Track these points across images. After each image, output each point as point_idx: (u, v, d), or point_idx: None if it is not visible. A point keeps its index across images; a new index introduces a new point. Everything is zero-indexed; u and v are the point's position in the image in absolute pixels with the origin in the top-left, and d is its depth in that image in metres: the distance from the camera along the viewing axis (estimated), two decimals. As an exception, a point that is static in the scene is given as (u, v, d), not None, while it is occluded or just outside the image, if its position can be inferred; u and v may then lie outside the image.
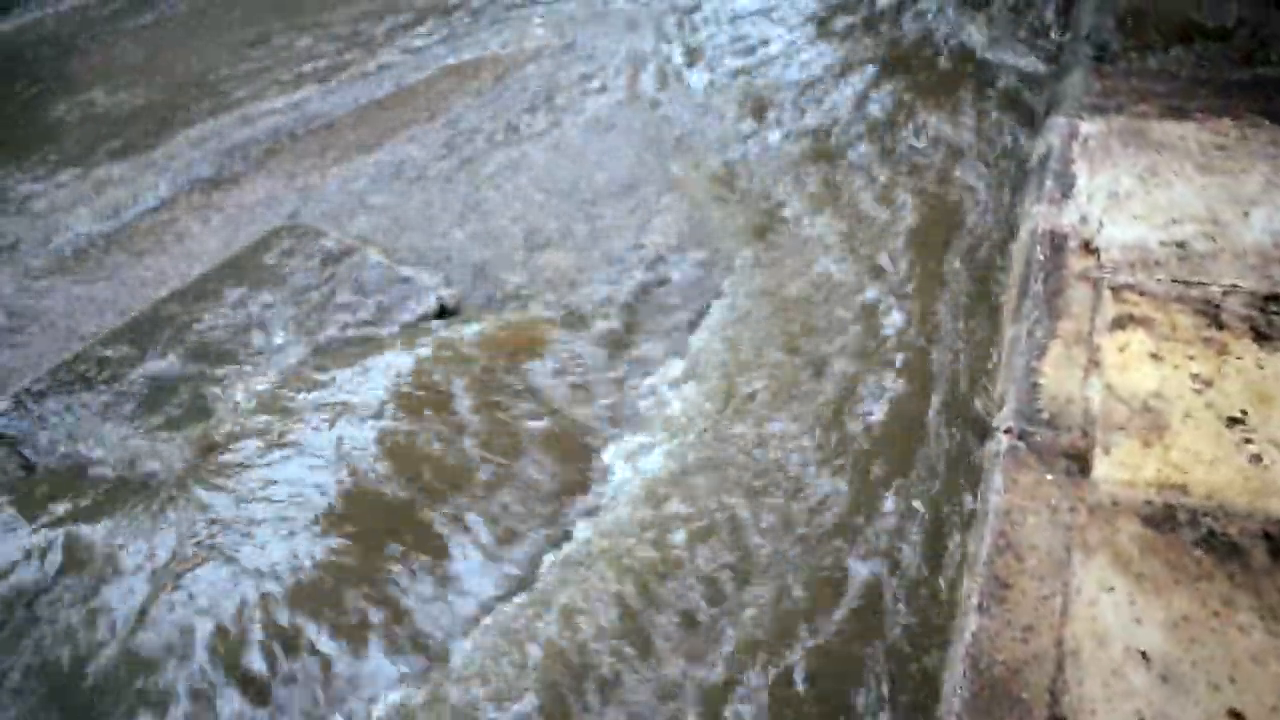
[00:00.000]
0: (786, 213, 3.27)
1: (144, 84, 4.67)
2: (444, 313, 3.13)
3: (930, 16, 4.30)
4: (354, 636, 2.15)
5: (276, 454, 2.58)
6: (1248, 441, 2.12)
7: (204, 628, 2.16)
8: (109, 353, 3.09)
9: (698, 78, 4.06)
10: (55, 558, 2.38)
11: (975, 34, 4.11)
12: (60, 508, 2.53)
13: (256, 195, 3.77)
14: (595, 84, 4.07)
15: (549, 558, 2.30)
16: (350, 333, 3.00)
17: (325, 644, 2.14)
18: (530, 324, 2.93)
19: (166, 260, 3.53)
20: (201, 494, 2.47)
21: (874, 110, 3.73)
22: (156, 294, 3.33)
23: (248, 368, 2.93)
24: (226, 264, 3.42)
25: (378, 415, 2.64)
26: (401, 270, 3.23)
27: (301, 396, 2.75)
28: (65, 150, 4.22)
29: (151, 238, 3.65)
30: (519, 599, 2.20)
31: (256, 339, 3.03)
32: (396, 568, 2.28)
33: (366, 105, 4.16)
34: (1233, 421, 2.17)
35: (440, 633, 2.17)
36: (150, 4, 5.50)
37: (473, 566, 2.29)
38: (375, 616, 2.19)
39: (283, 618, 2.17)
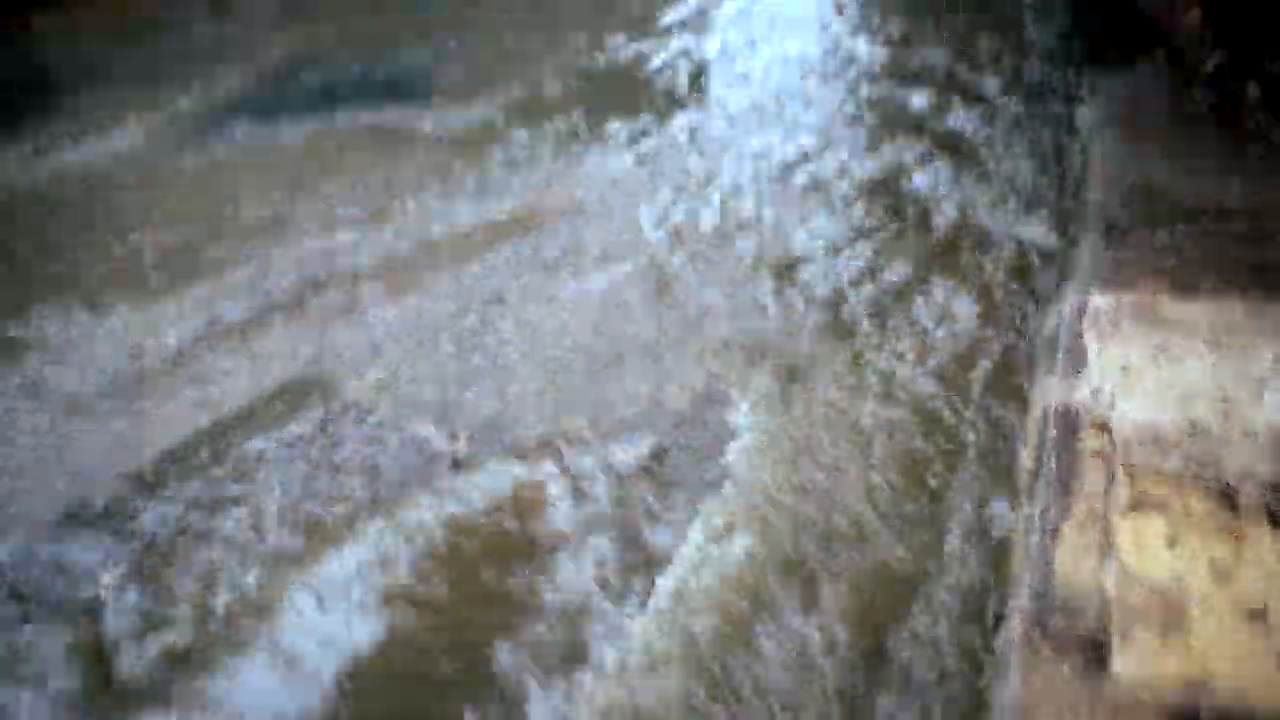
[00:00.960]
0: (803, 384, 3.33)
1: (182, 225, 4.80)
2: (455, 465, 3.19)
3: (938, 186, 4.44)
4: None
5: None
6: (1270, 637, 2.07)
7: None
8: (114, 499, 3.13)
9: (716, 245, 4.17)
10: None
11: (983, 204, 4.23)
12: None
13: (279, 342, 3.83)
14: (615, 246, 4.19)
15: None
16: (360, 494, 3.05)
17: None
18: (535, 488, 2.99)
19: (185, 404, 3.56)
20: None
21: (888, 277, 3.82)
22: (171, 440, 3.37)
23: (243, 533, 2.96)
24: (242, 412, 3.47)
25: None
26: (414, 424, 3.28)
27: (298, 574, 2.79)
28: (99, 289, 4.31)
29: (174, 381, 3.69)
30: None
31: (258, 500, 3.07)
32: None
33: (391, 257, 4.27)
34: (1254, 615, 2.12)
35: None
36: (196, 147, 5.70)
37: None
38: None
39: None
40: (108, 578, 2.86)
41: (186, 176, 5.34)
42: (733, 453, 3.11)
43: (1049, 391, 2.89)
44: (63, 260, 4.60)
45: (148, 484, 3.20)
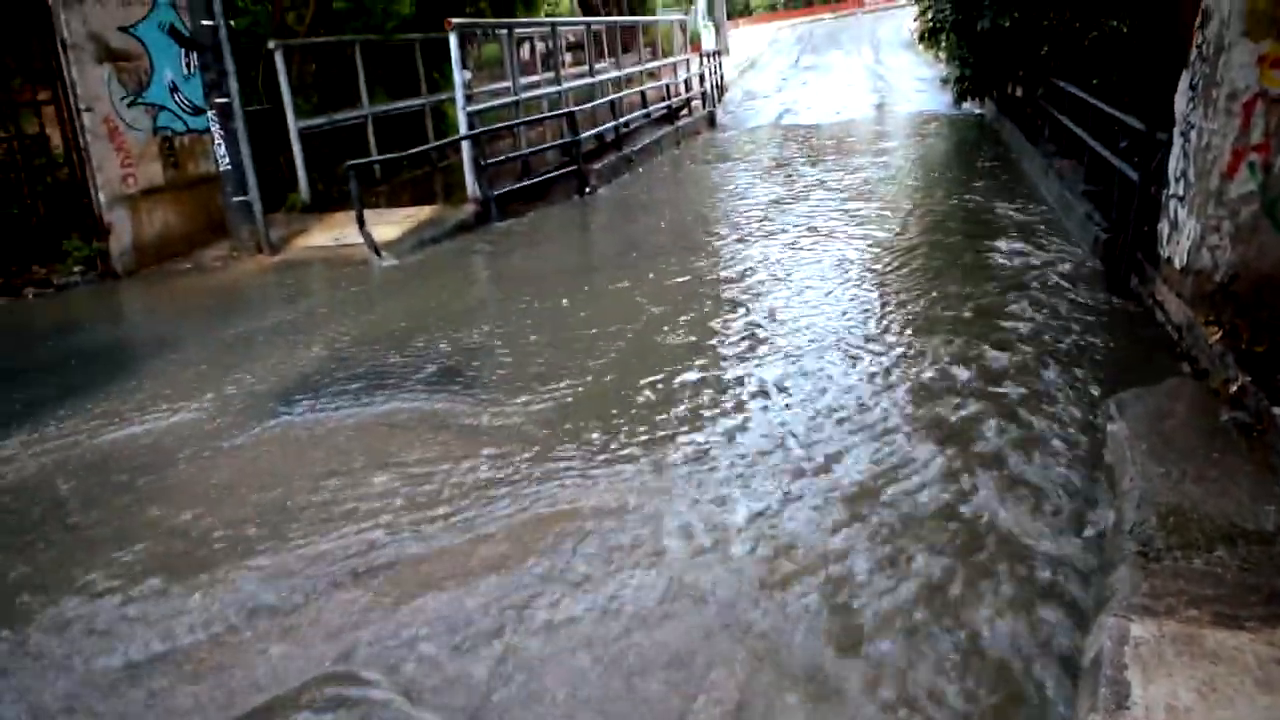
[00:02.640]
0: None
1: (229, 506, 4.94)
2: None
3: (970, 498, 4.49)
4: None
5: None
6: None
7: None
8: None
9: (752, 548, 4.21)
10: None
11: (1016, 520, 4.26)
12: None
13: (312, 631, 3.83)
14: (652, 549, 4.22)
15: None
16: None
17: None
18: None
19: (208, 692, 3.52)
20: None
21: (918, 600, 3.80)
22: (192, 734, 3.32)
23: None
24: (268, 707, 3.42)
25: None
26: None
27: None
28: (138, 567, 4.39)
29: (200, 666, 3.68)
30: None
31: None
32: None
33: (431, 550, 4.33)
34: None
35: None
36: (244, 426, 5.97)
37: None
38: None
39: None
40: None
41: (242, 456, 5.56)
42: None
43: (1093, 729, 2.79)
44: (108, 532, 4.73)
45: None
